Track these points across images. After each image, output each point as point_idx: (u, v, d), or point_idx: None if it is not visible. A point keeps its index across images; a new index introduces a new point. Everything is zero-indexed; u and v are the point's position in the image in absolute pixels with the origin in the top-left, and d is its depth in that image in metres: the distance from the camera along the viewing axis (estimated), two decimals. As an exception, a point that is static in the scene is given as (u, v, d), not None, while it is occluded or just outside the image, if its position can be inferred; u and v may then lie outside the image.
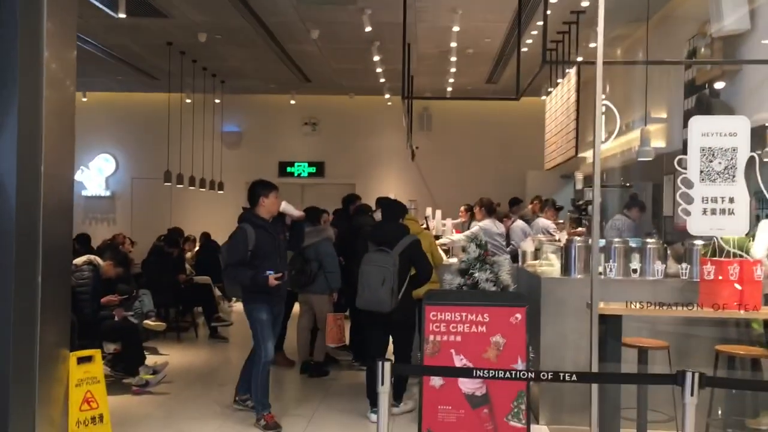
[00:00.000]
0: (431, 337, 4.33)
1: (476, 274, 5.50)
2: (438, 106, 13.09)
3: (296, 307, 7.57)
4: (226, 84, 12.51)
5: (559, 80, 8.39)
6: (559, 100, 8.69)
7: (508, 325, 4.29)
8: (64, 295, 3.74)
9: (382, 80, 10.88)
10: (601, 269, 5.20)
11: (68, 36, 3.78)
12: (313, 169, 13.85)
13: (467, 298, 4.54)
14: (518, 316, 4.31)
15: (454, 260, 7.17)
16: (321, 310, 7.05)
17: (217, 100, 12.85)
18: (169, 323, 9.09)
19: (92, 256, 6.50)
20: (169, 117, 11.43)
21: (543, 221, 9.22)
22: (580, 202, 8.55)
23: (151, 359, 7.25)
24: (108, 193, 14.00)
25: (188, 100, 12.43)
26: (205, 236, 11.43)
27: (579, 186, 8.84)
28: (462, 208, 9.72)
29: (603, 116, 5.66)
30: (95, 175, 13.93)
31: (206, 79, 11.86)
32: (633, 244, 5.61)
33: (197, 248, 11.43)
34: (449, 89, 11.87)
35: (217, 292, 11.96)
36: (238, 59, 10.86)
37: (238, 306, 12.65)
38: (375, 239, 5.47)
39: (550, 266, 6.74)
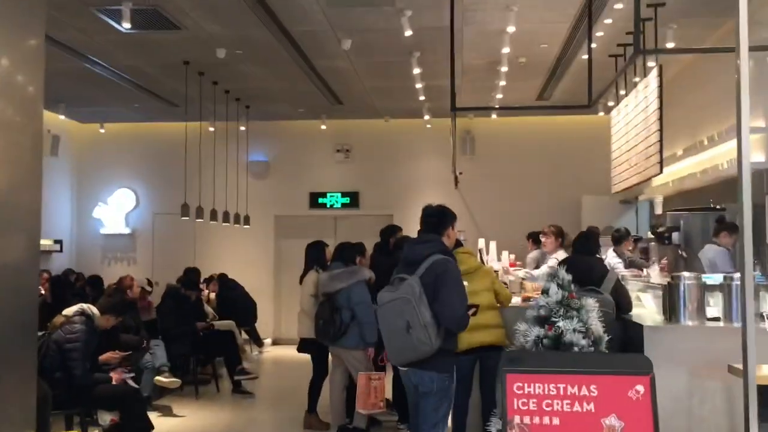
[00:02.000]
0: (517, 419, 3.11)
1: (560, 323, 4.27)
2: (481, 127, 11.92)
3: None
4: (252, 109, 11.54)
5: (636, 80, 7.13)
6: (632, 111, 7.46)
7: (627, 402, 3.05)
8: (27, 362, 2.65)
9: (422, 98, 9.78)
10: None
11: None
12: (346, 200, 12.77)
13: (567, 362, 3.30)
14: (640, 388, 3.07)
15: (516, 301, 5.94)
16: (354, 368, 5.87)
17: (242, 128, 11.89)
18: (187, 377, 7.97)
19: (85, 305, 5.41)
20: (186, 146, 10.47)
21: (610, 255, 7.91)
22: (661, 229, 7.27)
23: (162, 424, 6.10)
24: (128, 231, 13.07)
25: (211, 129, 11.49)
26: (222, 277, 10.37)
27: (658, 210, 7.56)
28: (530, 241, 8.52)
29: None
30: (115, 211, 13.02)
31: (229, 104, 10.91)
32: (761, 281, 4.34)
33: (215, 291, 10.38)
34: (495, 107, 10.70)
35: (244, 336, 10.89)
36: (262, 79, 9.87)
37: (266, 354, 11.57)
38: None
39: (641, 309, 5.48)
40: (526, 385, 3.11)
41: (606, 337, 4.38)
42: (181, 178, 10.30)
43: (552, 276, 4.49)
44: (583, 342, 4.24)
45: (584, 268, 4.63)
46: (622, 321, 4.92)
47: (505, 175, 12.19)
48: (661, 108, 6.37)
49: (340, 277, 5.86)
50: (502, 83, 8.69)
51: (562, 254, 6.75)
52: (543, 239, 7.14)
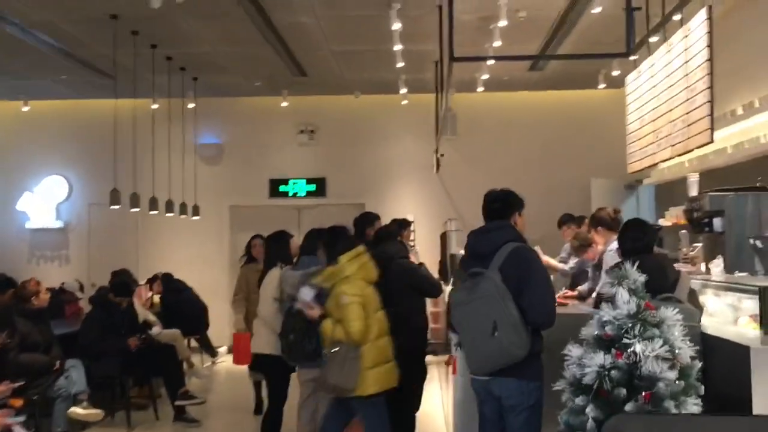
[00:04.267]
0: None
1: (636, 347, 2.98)
2: (464, 104, 10.49)
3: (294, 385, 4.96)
4: (201, 82, 9.96)
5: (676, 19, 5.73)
6: (661, 70, 6.10)
7: None
8: None
9: (400, 65, 8.31)
10: None
11: None
12: (311, 187, 11.27)
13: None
14: None
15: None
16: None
17: (190, 105, 10.30)
18: (114, 404, 6.42)
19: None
20: (123, 127, 8.90)
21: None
22: (698, 214, 5.96)
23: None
24: (59, 224, 11.38)
25: (154, 106, 9.87)
26: (167, 278, 8.81)
27: (693, 191, 6.24)
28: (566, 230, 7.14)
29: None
30: (43, 202, 11.31)
31: (173, 75, 9.31)
32: None
33: (160, 293, 8.83)
34: (482, 79, 9.31)
35: (194, 344, 9.34)
36: (211, 41, 8.31)
37: (221, 365, 10.00)
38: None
39: (711, 318, 4.14)
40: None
41: (698, 365, 3.02)
42: (121, 164, 8.71)
43: (618, 278, 3.09)
44: (671, 375, 2.89)
45: (654, 268, 3.39)
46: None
47: (492, 158, 10.85)
48: (711, 59, 5.03)
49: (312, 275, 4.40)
50: (497, 44, 7.24)
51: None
52: (588, 231, 5.73)
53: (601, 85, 9.70)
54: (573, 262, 6.60)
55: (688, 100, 5.47)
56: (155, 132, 9.47)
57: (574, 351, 3.09)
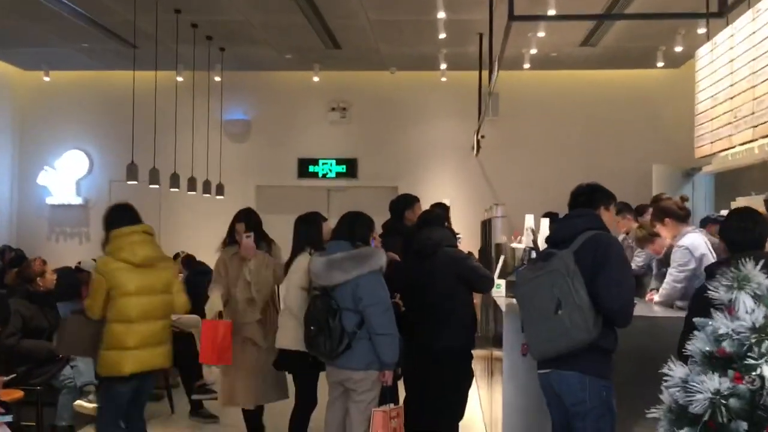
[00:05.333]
0: None
1: (763, 369, 2.33)
2: (508, 82, 9.78)
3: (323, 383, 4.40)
4: (228, 54, 9.40)
5: None
6: (748, 38, 5.36)
7: None
8: None
9: (442, 36, 7.65)
10: None
11: None
12: (342, 168, 10.67)
13: None
14: None
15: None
16: (361, 400, 3.87)
17: (216, 78, 9.76)
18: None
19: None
20: (147, 100, 8.35)
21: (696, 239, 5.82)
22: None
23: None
24: (80, 201, 10.96)
25: (179, 78, 9.37)
26: (189, 260, 8.30)
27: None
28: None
29: None
30: (64, 177, 10.88)
31: (199, 45, 8.75)
32: None
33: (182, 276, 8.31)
34: (530, 55, 8.62)
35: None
36: (239, 7, 7.73)
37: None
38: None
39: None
40: None
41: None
42: (141, 139, 8.21)
43: (738, 279, 2.43)
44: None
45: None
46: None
47: (537, 142, 10.20)
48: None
49: (343, 264, 3.82)
50: (551, 12, 6.51)
51: (696, 238, 4.76)
52: (653, 222, 5.06)
53: (660, 64, 8.94)
54: (641, 257, 5.87)
55: (780, 73, 4.76)
56: (178, 106, 8.96)
57: (676, 370, 2.45)
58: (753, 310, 2.35)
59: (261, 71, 10.44)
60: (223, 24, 8.36)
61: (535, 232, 5.19)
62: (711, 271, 3.23)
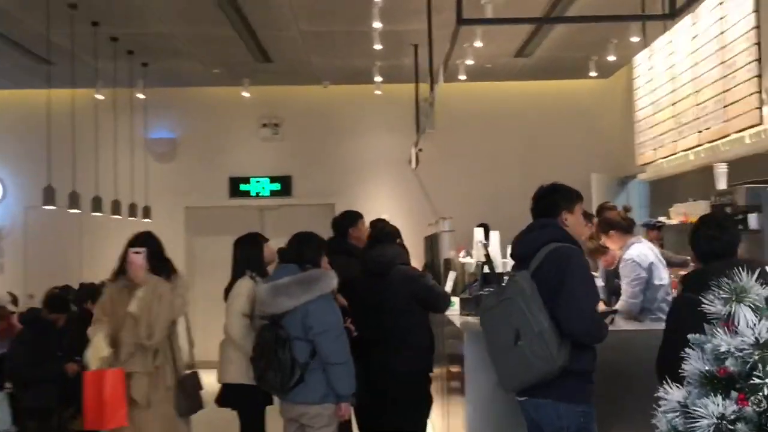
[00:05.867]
0: None
1: None
2: (443, 94, 9.65)
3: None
4: (152, 69, 8.91)
5: None
6: (689, 43, 5.37)
7: None
8: None
9: (377, 47, 7.43)
10: None
11: None
12: (276, 186, 10.31)
13: None
14: None
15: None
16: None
17: (139, 95, 9.24)
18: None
19: None
20: (62, 120, 7.79)
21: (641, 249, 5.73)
22: (730, 210, 5.21)
23: None
24: (-9, 230, 10.16)
25: (99, 96, 8.81)
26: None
27: (722, 184, 5.50)
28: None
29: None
30: (-27, 205, 10.09)
31: (120, 60, 8.26)
32: None
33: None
34: (465, 65, 8.51)
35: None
36: (162, 18, 7.31)
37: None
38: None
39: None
40: None
41: None
42: (58, 161, 7.65)
43: (735, 291, 2.29)
44: None
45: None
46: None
47: (474, 153, 10.09)
48: (759, 26, 4.30)
49: (290, 289, 3.51)
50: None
51: (641, 249, 4.61)
52: (598, 232, 4.91)
53: (592, 74, 9.00)
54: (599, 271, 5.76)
55: (725, 77, 4.74)
56: (99, 125, 8.43)
57: (673, 393, 2.24)
58: (755, 324, 2.17)
59: (187, 87, 9.97)
60: (146, 37, 7.90)
61: (486, 246, 4.98)
62: (686, 282, 3.08)
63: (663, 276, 4.74)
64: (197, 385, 4.11)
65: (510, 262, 5.21)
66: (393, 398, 4.06)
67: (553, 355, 2.82)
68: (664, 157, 5.89)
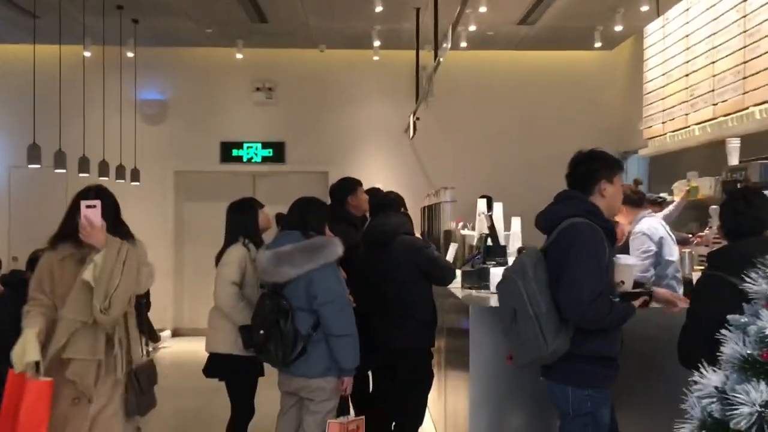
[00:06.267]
0: None
1: None
2: (442, 63, 9.43)
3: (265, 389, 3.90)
4: (143, 27, 8.59)
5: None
6: (706, 12, 5.15)
7: None
8: None
9: (378, 9, 7.16)
10: None
11: None
12: (268, 152, 10.05)
13: None
14: None
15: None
16: (318, 410, 3.40)
17: (129, 54, 8.91)
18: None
19: None
20: (49, 78, 7.47)
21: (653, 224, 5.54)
22: (742, 186, 5.05)
23: None
24: (-25, 190, 9.87)
25: (87, 53, 8.50)
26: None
27: (734, 160, 5.32)
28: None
29: None
30: (-45, 163, 9.77)
31: (109, 16, 7.92)
32: None
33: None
34: (467, 32, 8.26)
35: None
36: (155, -27, 6.99)
37: (163, 351, 8.77)
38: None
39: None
40: None
41: None
42: (47, 121, 7.38)
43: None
44: None
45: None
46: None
47: (473, 124, 9.90)
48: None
49: (293, 257, 3.31)
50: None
51: (651, 223, 4.48)
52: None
53: (597, 44, 8.76)
54: None
55: (745, 47, 4.54)
56: (86, 84, 8.10)
57: (710, 378, 2.07)
58: (799, 305, 2.00)
59: (179, 47, 9.64)
60: (137, -9, 7.59)
61: (490, 217, 4.81)
62: (713, 260, 2.92)
63: (674, 252, 4.62)
64: (152, 379, 3.33)
65: (512, 235, 5.10)
66: (392, 374, 3.90)
67: (546, 340, 2.71)
68: (674, 131, 5.69)
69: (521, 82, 9.80)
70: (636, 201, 4.93)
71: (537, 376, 3.04)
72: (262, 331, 3.34)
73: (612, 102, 9.63)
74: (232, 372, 4.03)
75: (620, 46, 9.43)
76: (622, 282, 2.89)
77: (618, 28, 7.94)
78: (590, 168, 2.88)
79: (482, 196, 5.50)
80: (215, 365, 4.12)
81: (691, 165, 7.58)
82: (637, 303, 2.86)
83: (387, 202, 3.99)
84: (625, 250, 4.97)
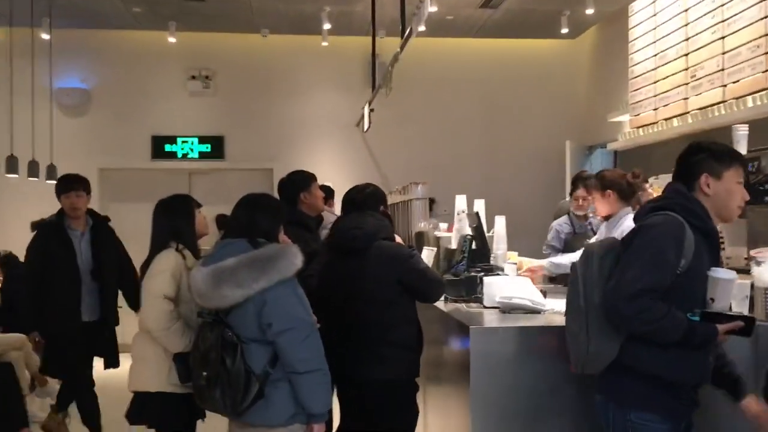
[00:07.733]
0: None
1: None
2: (396, 49, 8.73)
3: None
4: (58, 4, 7.57)
5: None
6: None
7: None
8: None
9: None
10: None
11: None
12: (206, 147, 9.15)
13: None
14: None
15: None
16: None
17: (44, 36, 7.86)
18: None
19: None
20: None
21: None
22: (755, 178, 4.48)
23: None
24: None
25: (-7, 34, 7.42)
26: (10, 260, 6.59)
27: (743, 149, 4.74)
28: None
29: None
30: None
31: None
32: None
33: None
34: (425, 15, 7.51)
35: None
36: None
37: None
38: None
39: None
40: None
41: None
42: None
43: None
44: None
45: None
46: None
47: (432, 116, 9.26)
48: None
49: (238, 274, 2.49)
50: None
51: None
52: (596, 197, 4.04)
53: (564, 29, 8.18)
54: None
55: (766, 17, 3.93)
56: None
57: None
58: None
59: (102, 29, 8.63)
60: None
61: (478, 216, 4.06)
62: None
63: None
64: None
65: (497, 236, 4.36)
66: (367, 412, 3.12)
67: (589, 335, 2.35)
68: (671, 117, 5.08)
69: (482, 73, 9.21)
70: (626, 193, 4.19)
71: (556, 418, 2.59)
72: (204, 373, 2.49)
73: (577, 93, 9.14)
74: (163, 416, 3.21)
75: (584, 34, 8.94)
76: (712, 299, 2.20)
77: (589, 11, 7.36)
78: (693, 161, 2.48)
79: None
80: (141, 407, 3.28)
81: (663, 161, 7.05)
82: (724, 327, 2.17)
83: (363, 198, 3.17)
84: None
